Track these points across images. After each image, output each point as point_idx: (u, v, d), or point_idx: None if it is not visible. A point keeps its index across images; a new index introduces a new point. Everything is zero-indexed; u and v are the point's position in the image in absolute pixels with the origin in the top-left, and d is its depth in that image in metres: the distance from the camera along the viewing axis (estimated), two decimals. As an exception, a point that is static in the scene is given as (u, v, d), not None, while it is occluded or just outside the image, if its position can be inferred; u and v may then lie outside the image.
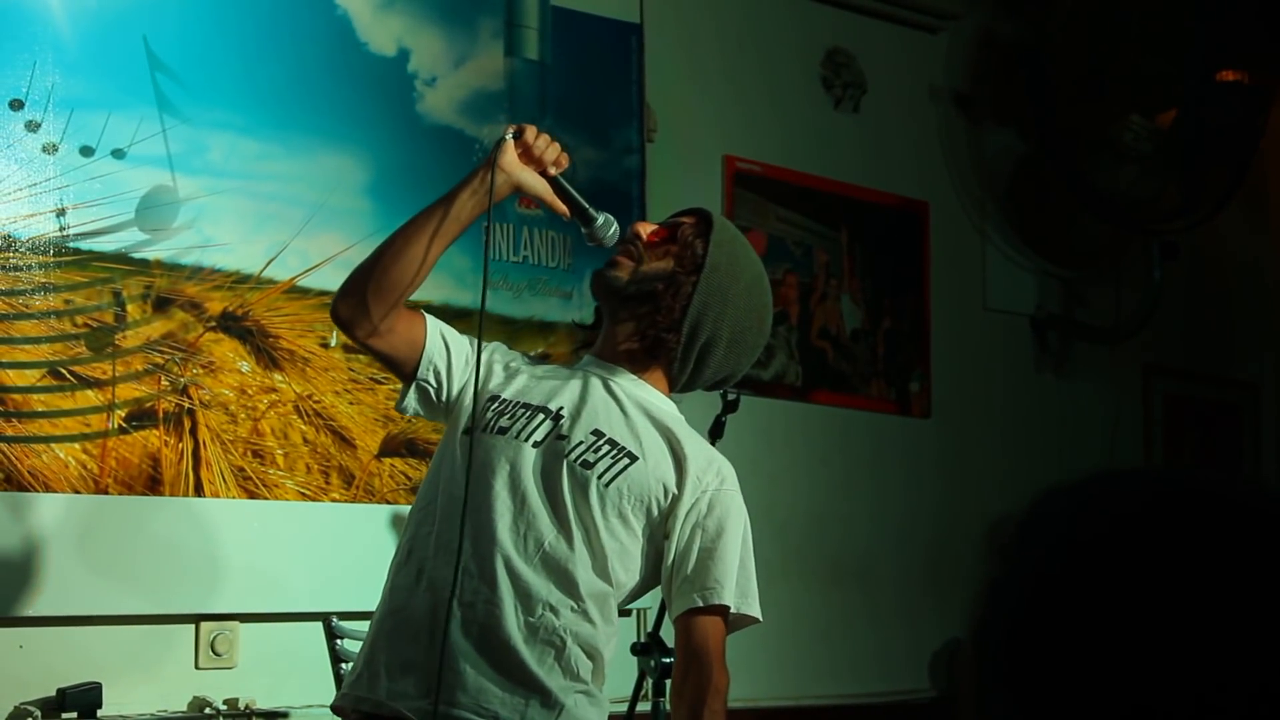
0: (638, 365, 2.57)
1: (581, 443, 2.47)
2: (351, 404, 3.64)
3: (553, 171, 2.54)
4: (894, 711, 4.64)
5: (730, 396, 2.78)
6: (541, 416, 2.50)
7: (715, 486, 2.53)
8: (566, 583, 2.45)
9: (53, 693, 3.18)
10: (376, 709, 2.41)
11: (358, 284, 2.48)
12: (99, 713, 3.19)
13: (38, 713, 3.17)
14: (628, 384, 2.56)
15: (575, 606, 2.45)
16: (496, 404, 2.52)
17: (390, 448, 3.69)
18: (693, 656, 2.49)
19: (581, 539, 2.45)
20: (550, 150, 2.52)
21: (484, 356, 2.55)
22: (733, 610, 2.51)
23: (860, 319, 4.69)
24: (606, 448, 2.48)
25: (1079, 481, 0.95)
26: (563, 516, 2.45)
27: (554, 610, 2.44)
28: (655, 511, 2.49)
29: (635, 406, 2.54)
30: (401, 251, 2.48)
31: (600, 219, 2.56)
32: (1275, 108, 5.24)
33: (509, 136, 2.52)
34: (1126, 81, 4.88)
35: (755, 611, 2.56)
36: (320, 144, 3.66)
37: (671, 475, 2.50)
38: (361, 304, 2.48)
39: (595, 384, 2.55)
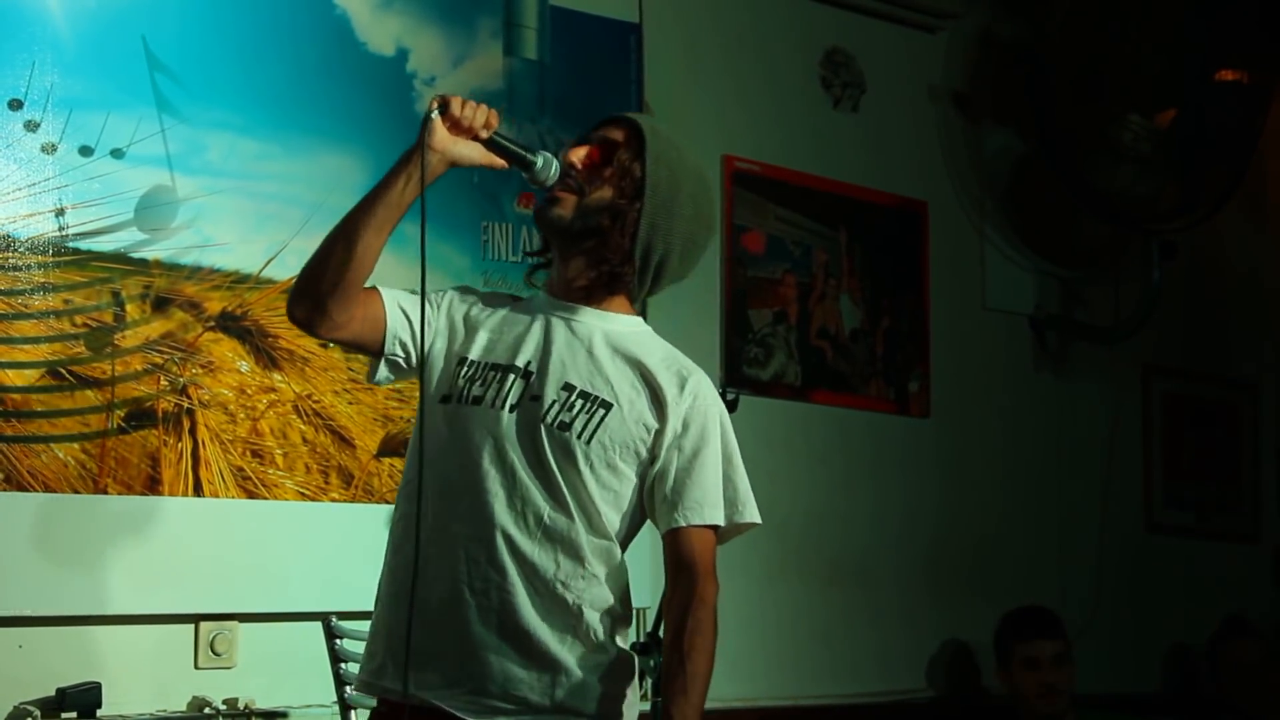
0: (596, 298, 2.59)
1: (555, 401, 2.47)
2: (351, 404, 3.64)
3: (485, 135, 2.50)
4: (893, 711, 4.64)
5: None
6: (512, 377, 2.50)
7: (689, 405, 2.55)
8: (571, 551, 2.46)
9: (52, 692, 3.18)
10: (403, 699, 2.41)
11: (309, 285, 2.48)
12: (98, 712, 3.19)
13: (37, 712, 3.17)
14: (591, 319, 2.57)
15: (584, 573, 2.47)
16: (467, 368, 2.52)
17: (389, 447, 3.69)
18: (679, 570, 2.51)
19: (575, 503, 2.46)
20: (479, 115, 2.49)
21: (442, 312, 2.59)
22: (724, 525, 2.54)
23: (859, 319, 4.69)
24: (580, 402, 2.48)
25: None
26: (553, 484, 2.45)
27: (564, 584, 2.45)
28: (643, 452, 2.52)
29: (603, 344, 2.54)
30: (347, 248, 2.47)
31: (539, 161, 2.53)
32: (1274, 107, 5.24)
33: (435, 114, 2.49)
34: (1125, 81, 4.88)
35: (750, 518, 2.58)
36: (319, 144, 3.66)
37: (649, 412, 2.52)
38: (317, 304, 2.48)
39: (558, 328, 2.55)
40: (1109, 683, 5.01)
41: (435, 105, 2.47)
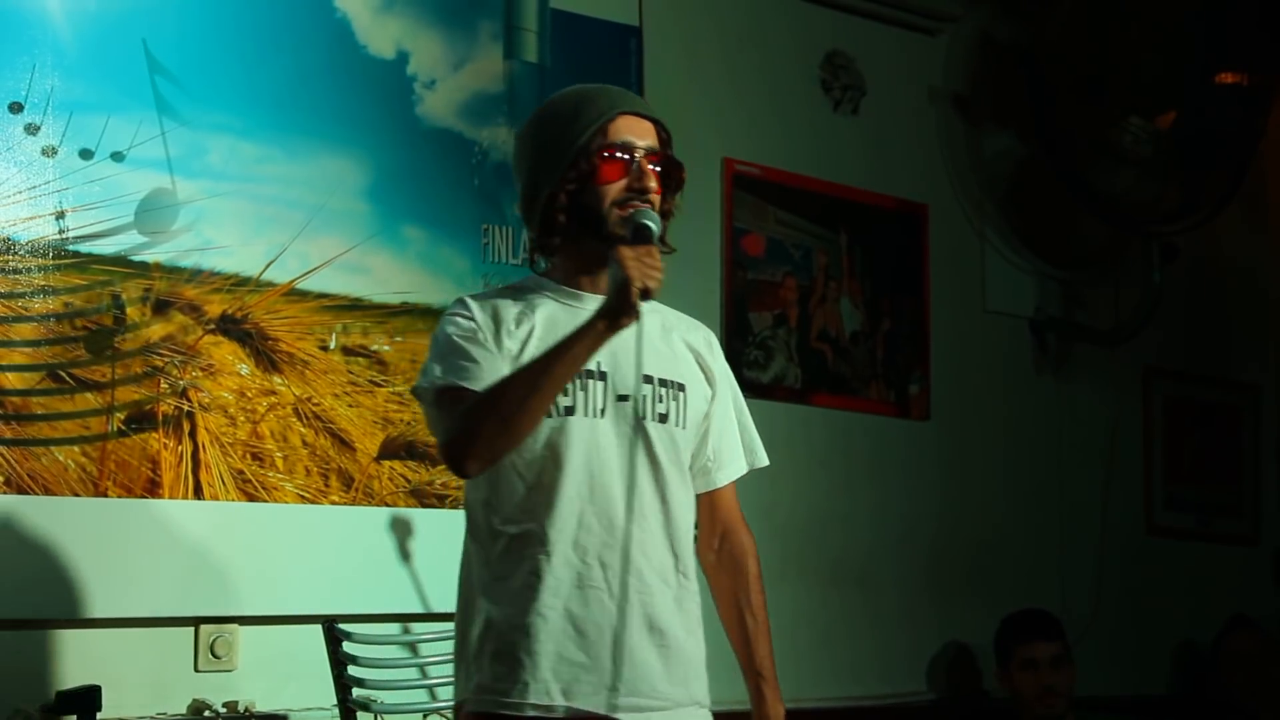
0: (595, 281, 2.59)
1: (645, 396, 2.52)
2: (351, 406, 3.64)
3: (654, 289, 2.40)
4: (894, 714, 4.64)
5: None
6: (592, 382, 2.51)
7: (718, 362, 2.71)
8: (679, 542, 2.57)
9: (51, 696, 3.18)
10: (558, 714, 2.44)
11: (492, 451, 2.41)
12: (98, 715, 3.18)
13: (37, 715, 3.17)
14: (653, 312, 2.57)
15: (685, 564, 2.57)
16: None
17: (390, 450, 3.69)
18: (729, 528, 2.72)
19: (672, 493, 2.55)
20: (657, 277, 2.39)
21: (494, 341, 2.50)
22: (744, 472, 2.72)
23: (860, 321, 4.69)
24: (664, 391, 2.55)
25: None
26: (660, 478, 2.53)
27: (681, 576, 2.56)
28: (704, 422, 2.66)
29: (656, 328, 2.60)
30: (536, 417, 2.41)
31: (656, 230, 2.46)
32: (1275, 110, 5.24)
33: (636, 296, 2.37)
34: (1125, 83, 4.88)
35: (763, 461, 2.75)
36: (319, 147, 3.66)
37: (703, 380, 2.67)
38: (493, 460, 2.44)
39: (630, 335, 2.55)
40: (1109, 685, 5.01)
41: (638, 290, 2.35)
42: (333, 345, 3.63)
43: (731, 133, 4.47)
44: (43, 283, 3.29)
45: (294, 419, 3.56)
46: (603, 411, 2.50)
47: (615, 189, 2.51)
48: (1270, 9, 5.04)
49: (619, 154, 2.52)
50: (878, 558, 4.69)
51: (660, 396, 2.54)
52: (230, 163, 3.53)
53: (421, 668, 3.52)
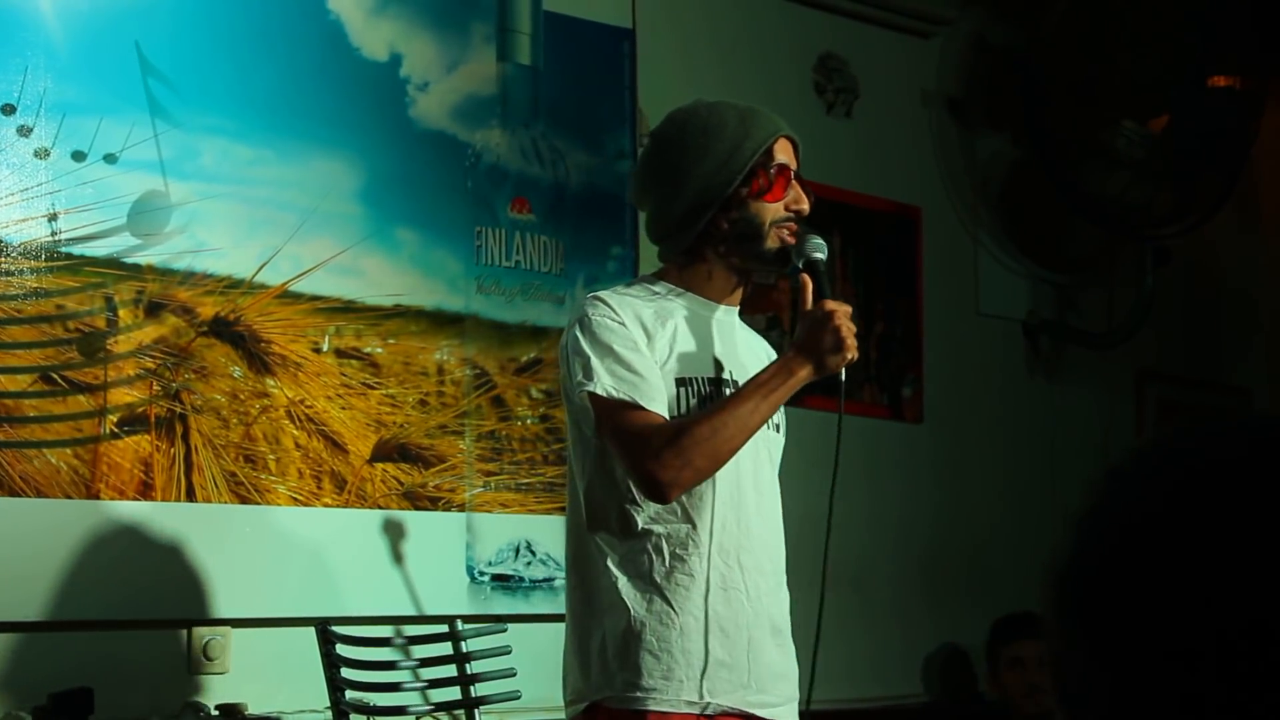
0: (735, 297, 2.72)
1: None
2: (344, 409, 3.64)
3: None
4: (887, 716, 4.64)
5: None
6: (725, 389, 2.60)
7: None
8: (783, 544, 2.73)
9: (44, 698, 3.17)
10: (708, 711, 2.53)
11: (698, 482, 2.51)
12: (90, 718, 3.18)
13: (29, 718, 3.16)
14: (733, 316, 2.72)
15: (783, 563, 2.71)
16: (688, 389, 2.58)
17: (382, 453, 3.69)
18: None
19: (779, 497, 2.73)
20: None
21: (645, 340, 2.57)
22: None
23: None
24: None
25: (1178, 431, 0.97)
26: (775, 483, 2.70)
27: (784, 575, 2.71)
28: None
29: (746, 338, 2.76)
30: (734, 455, 2.53)
31: (824, 260, 2.64)
32: (1267, 114, 5.25)
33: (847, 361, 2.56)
34: (1118, 87, 4.89)
35: None
36: (312, 149, 3.66)
37: None
38: (690, 489, 2.53)
39: (727, 330, 2.68)
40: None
41: (849, 357, 2.55)
42: (325, 347, 3.63)
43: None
44: (35, 285, 3.28)
45: (287, 421, 3.56)
46: None
47: (777, 208, 2.64)
48: (1263, 13, 5.05)
49: (783, 174, 2.65)
50: (871, 560, 4.69)
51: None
52: (223, 165, 3.53)
53: (415, 670, 3.52)
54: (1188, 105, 4.95)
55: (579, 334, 2.55)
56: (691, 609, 2.52)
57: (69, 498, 3.27)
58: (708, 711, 2.52)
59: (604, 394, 2.49)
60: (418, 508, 3.72)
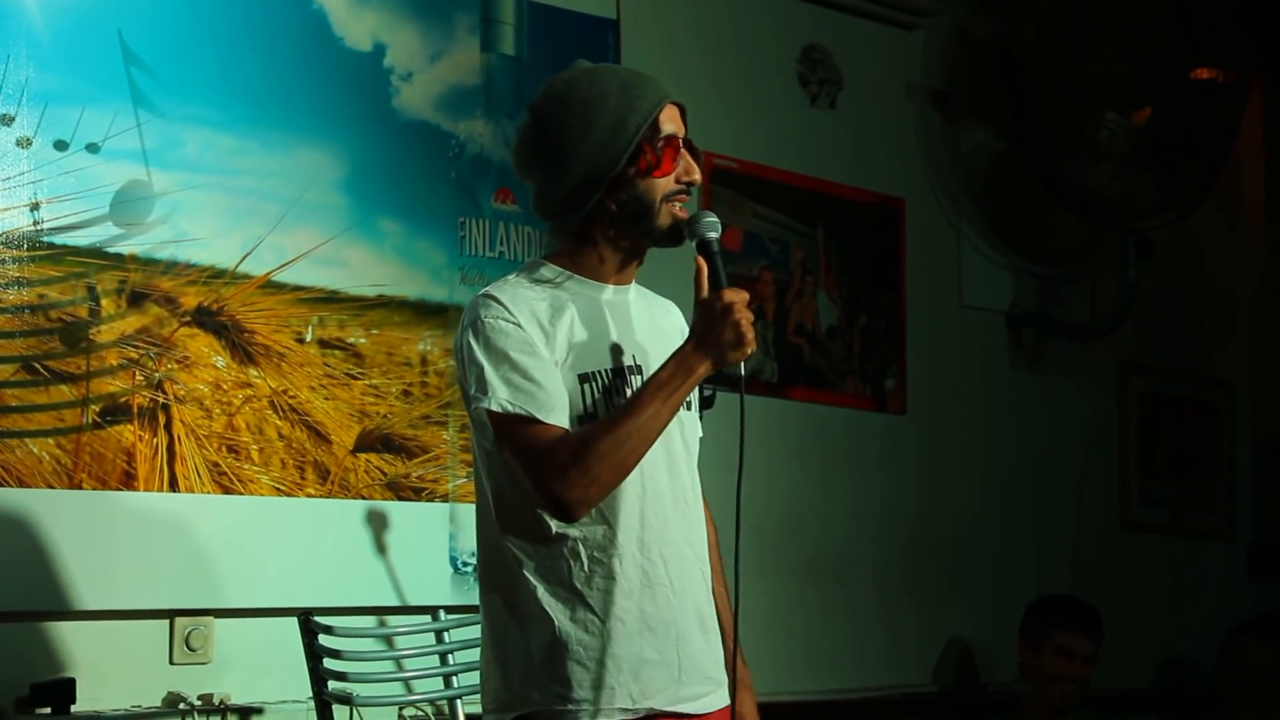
0: (630, 275, 2.59)
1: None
2: (327, 399, 3.64)
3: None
4: (871, 707, 4.65)
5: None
6: (633, 378, 2.49)
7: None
8: (704, 524, 2.62)
9: (26, 688, 3.17)
10: (639, 714, 2.45)
11: (603, 496, 2.39)
12: (72, 708, 3.18)
13: (10, 708, 3.15)
14: (634, 295, 2.60)
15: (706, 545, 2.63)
16: (593, 383, 2.47)
17: (366, 443, 3.69)
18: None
19: (697, 477, 2.62)
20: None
21: (543, 344, 2.44)
22: None
23: (836, 315, 4.70)
24: None
25: None
26: (691, 466, 2.59)
27: (707, 560, 2.61)
28: None
29: (652, 316, 2.63)
30: (642, 457, 2.41)
31: (718, 235, 2.50)
32: (1250, 106, 5.26)
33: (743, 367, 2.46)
34: (1102, 79, 4.90)
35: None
36: (296, 139, 3.65)
37: None
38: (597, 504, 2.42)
39: (626, 314, 2.55)
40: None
41: (749, 351, 2.43)
42: (309, 338, 3.62)
43: (709, 127, 4.45)
44: (17, 274, 3.27)
45: (270, 411, 3.56)
46: None
47: (667, 182, 2.49)
48: (1245, 6, 5.06)
49: (671, 146, 2.50)
50: (854, 551, 4.70)
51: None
52: (206, 155, 3.52)
53: (398, 660, 3.52)
54: (1170, 98, 4.96)
55: (472, 340, 2.44)
56: (617, 612, 2.42)
57: (51, 487, 3.26)
58: (639, 715, 2.43)
59: (499, 409, 2.37)
60: (401, 498, 3.72)
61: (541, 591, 2.43)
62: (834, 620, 4.63)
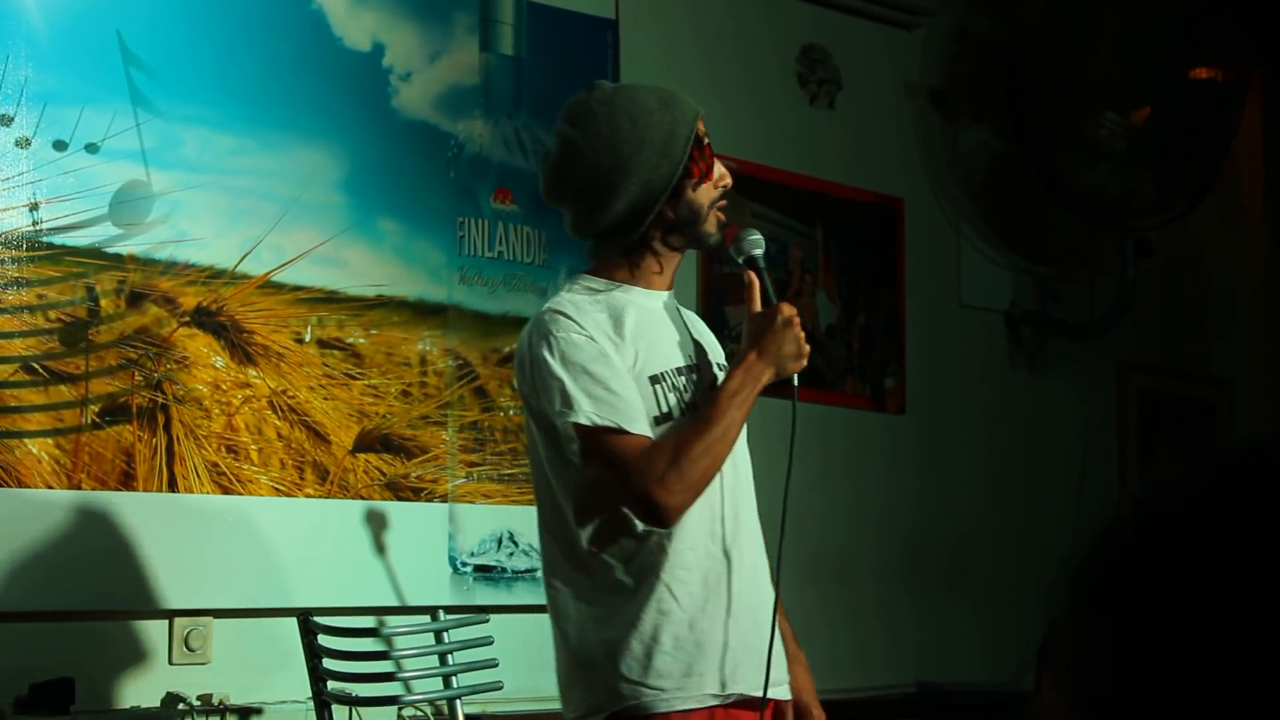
0: (672, 280, 2.68)
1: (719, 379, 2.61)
2: (326, 399, 3.64)
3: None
4: (872, 706, 4.65)
5: None
6: (694, 375, 2.59)
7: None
8: (758, 519, 2.71)
9: (24, 688, 3.17)
10: (729, 701, 2.52)
11: (694, 497, 2.47)
12: (71, 708, 3.18)
13: (9, 708, 3.16)
14: (672, 300, 2.68)
15: None
16: (663, 383, 2.55)
17: (365, 443, 3.69)
18: None
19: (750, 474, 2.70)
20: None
21: (608, 355, 2.51)
22: None
23: (835, 315, 4.70)
24: (722, 375, 2.63)
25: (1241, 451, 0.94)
26: (744, 456, 2.68)
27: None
28: None
29: (693, 319, 2.73)
30: (723, 463, 2.53)
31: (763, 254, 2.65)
32: (1248, 106, 5.26)
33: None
34: (1100, 78, 4.90)
35: None
36: (295, 139, 3.65)
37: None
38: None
39: (677, 317, 2.65)
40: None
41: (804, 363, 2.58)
42: (308, 338, 3.62)
43: (708, 126, 4.45)
44: (16, 275, 3.28)
45: (269, 411, 3.56)
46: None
47: (709, 188, 2.61)
48: (1244, 5, 5.06)
49: (709, 153, 2.63)
50: (854, 551, 4.70)
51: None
52: (205, 155, 3.52)
53: (397, 660, 3.52)
54: (1169, 97, 4.96)
55: (547, 356, 2.48)
56: (700, 603, 2.50)
57: (50, 488, 3.26)
58: (729, 702, 2.50)
59: (587, 422, 2.43)
60: (400, 498, 3.72)
61: (630, 590, 2.50)
62: (834, 620, 4.63)
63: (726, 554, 2.55)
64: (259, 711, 3.45)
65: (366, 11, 3.80)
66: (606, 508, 2.50)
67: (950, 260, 5.09)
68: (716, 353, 2.70)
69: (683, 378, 2.56)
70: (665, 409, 2.51)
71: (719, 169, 2.62)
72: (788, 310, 2.54)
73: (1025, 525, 5.15)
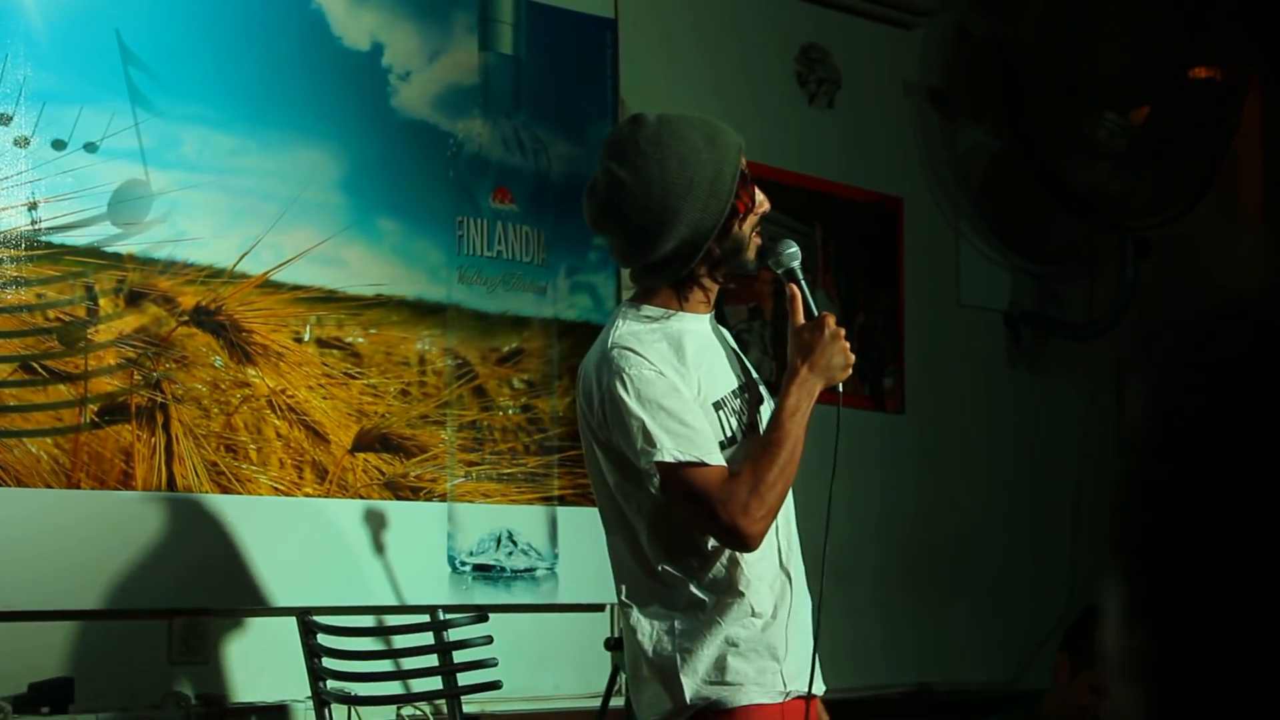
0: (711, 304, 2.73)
1: (769, 400, 2.71)
2: (325, 399, 3.64)
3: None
4: (871, 706, 4.64)
5: None
6: (746, 395, 2.68)
7: None
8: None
9: (24, 688, 3.17)
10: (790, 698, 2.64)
11: (773, 520, 2.60)
12: (70, 707, 3.18)
13: (9, 708, 3.15)
14: (713, 324, 2.74)
15: None
16: (725, 409, 2.64)
17: (364, 442, 3.69)
18: None
19: None
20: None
21: (679, 389, 2.59)
22: None
23: (834, 314, 4.69)
24: (768, 394, 2.74)
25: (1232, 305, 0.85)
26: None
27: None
28: None
29: (725, 335, 2.78)
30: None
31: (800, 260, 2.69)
32: (1247, 105, 5.26)
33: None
34: (1100, 78, 4.90)
35: None
36: (294, 138, 3.65)
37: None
38: None
39: (722, 341, 2.74)
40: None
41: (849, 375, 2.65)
42: (307, 337, 3.62)
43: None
44: (15, 274, 3.28)
45: (268, 411, 3.56)
46: (756, 425, 2.68)
47: (753, 219, 2.67)
48: (1243, 4, 5.06)
49: (750, 185, 2.67)
50: (853, 550, 4.69)
51: (769, 401, 2.73)
52: (204, 154, 3.52)
53: (396, 660, 3.52)
54: (1169, 96, 4.96)
55: (623, 394, 2.55)
56: (768, 610, 2.63)
57: (49, 487, 3.26)
58: (788, 698, 2.64)
59: (671, 460, 2.52)
60: (399, 498, 3.72)
61: (710, 603, 2.61)
62: (833, 619, 4.60)
63: (785, 567, 2.68)
64: (258, 710, 3.45)
65: (366, 11, 3.80)
66: (679, 529, 2.62)
67: (949, 260, 5.09)
68: (757, 375, 2.80)
69: (738, 400, 2.66)
70: (730, 433, 2.62)
71: (759, 196, 2.67)
72: (831, 321, 2.62)
73: (1024, 524, 5.15)
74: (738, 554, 2.60)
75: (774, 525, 2.63)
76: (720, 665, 2.61)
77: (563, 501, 3.97)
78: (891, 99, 4.98)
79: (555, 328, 4.00)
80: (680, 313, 2.66)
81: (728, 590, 2.61)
